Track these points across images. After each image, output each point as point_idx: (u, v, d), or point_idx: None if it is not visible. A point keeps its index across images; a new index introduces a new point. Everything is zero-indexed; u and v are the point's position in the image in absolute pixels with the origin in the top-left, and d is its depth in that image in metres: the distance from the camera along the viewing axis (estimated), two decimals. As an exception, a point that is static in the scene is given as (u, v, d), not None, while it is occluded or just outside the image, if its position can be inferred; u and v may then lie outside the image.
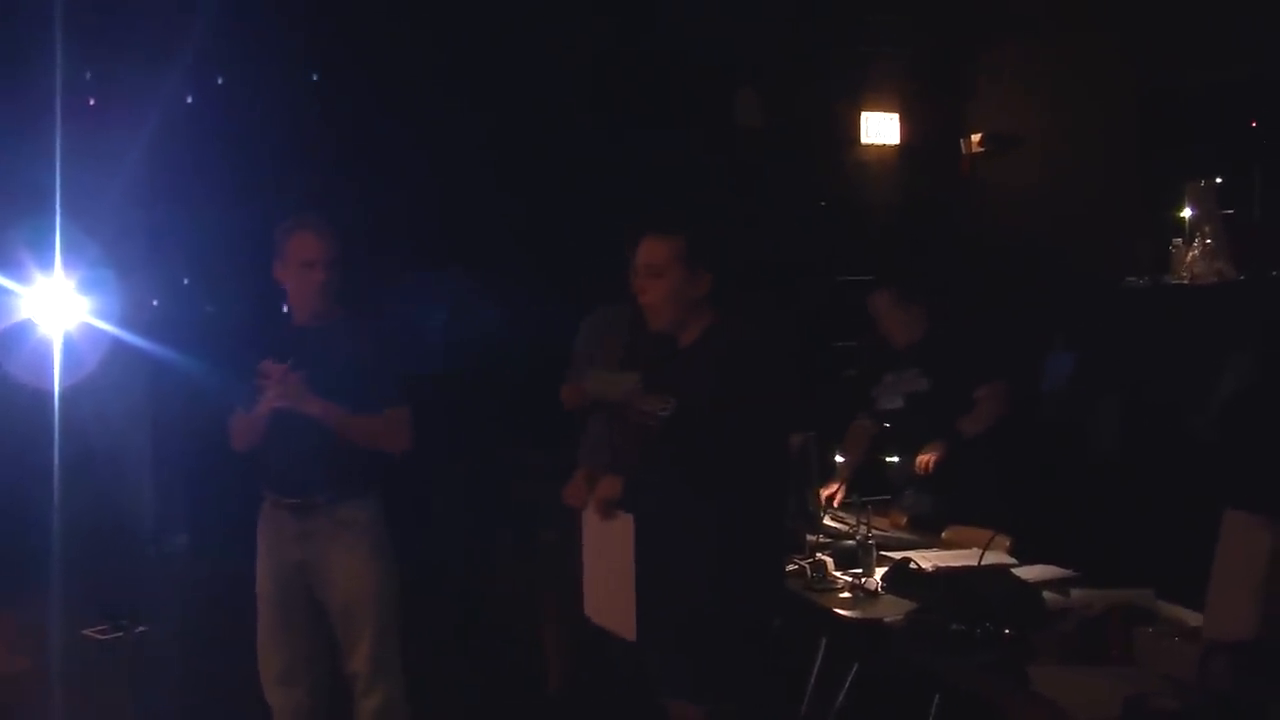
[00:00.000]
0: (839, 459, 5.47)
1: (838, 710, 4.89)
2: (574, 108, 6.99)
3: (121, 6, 5.90)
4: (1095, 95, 6.69)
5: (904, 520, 5.14)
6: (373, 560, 4.49)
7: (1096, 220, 6.51)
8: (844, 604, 4.13)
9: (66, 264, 4.88)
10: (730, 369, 3.80)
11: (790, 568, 4.34)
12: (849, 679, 4.87)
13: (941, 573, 4.15)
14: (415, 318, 6.54)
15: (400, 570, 4.59)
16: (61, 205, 5.05)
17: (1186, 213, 5.63)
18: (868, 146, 7.90)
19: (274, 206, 4.92)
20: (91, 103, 6.02)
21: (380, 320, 4.78)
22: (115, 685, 4.94)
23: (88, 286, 4.87)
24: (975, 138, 7.42)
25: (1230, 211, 5.54)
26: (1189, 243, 5.59)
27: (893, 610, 3.97)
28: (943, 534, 4.87)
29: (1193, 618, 3.49)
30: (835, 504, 5.25)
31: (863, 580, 4.20)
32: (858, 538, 4.40)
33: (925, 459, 5.06)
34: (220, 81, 6.48)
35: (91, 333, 4.96)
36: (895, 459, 5.35)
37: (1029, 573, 4.08)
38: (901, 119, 7.93)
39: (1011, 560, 4.35)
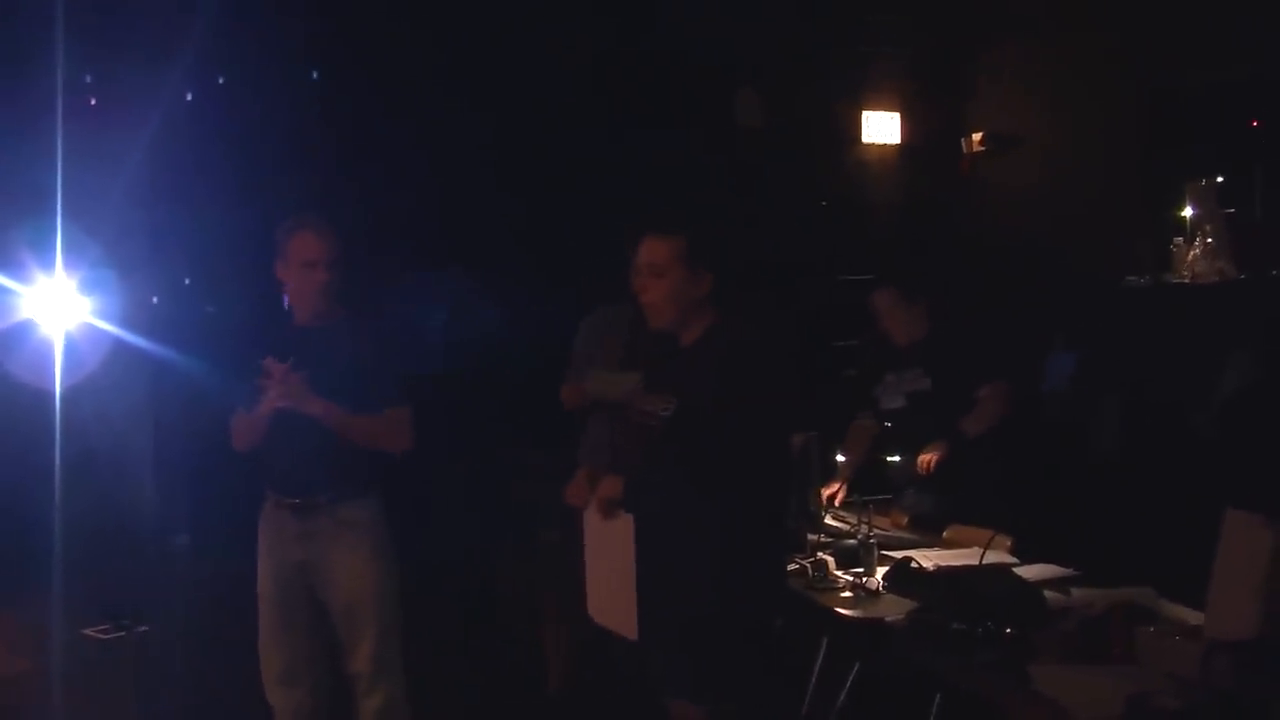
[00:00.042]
0: (840, 458, 5.48)
1: (839, 709, 4.89)
2: (574, 108, 6.98)
3: (122, 7, 5.90)
4: (1095, 95, 6.69)
5: (905, 519, 5.15)
6: (374, 560, 4.49)
7: (1097, 220, 6.51)
8: (845, 603, 4.13)
9: (68, 264, 4.88)
10: (731, 369, 3.81)
11: (792, 567, 4.34)
12: (850, 678, 4.87)
13: (943, 572, 4.15)
14: (415, 318, 6.54)
15: (400, 570, 4.59)
16: (63, 205, 5.05)
17: (1187, 212, 5.64)
18: (869, 146, 7.90)
19: (275, 206, 4.92)
20: (92, 103, 6.02)
21: (381, 320, 4.78)
22: (117, 685, 4.94)
23: (89, 286, 4.87)
24: (976, 137, 7.42)
25: (1231, 210, 5.55)
26: (1190, 242, 5.60)
27: (894, 609, 3.96)
28: (944, 533, 4.87)
29: (1194, 616, 3.49)
30: (836, 503, 5.26)
31: (864, 579, 4.20)
32: (859, 537, 4.40)
33: (927, 458, 5.06)
34: (221, 82, 6.48)
35: (93, 333, 4.97)
36: (896, 458, 5.35)
37: (1030, 572, 4.08)
38: (902, 118, 7.93)
39: (1013, 559, 4.36)
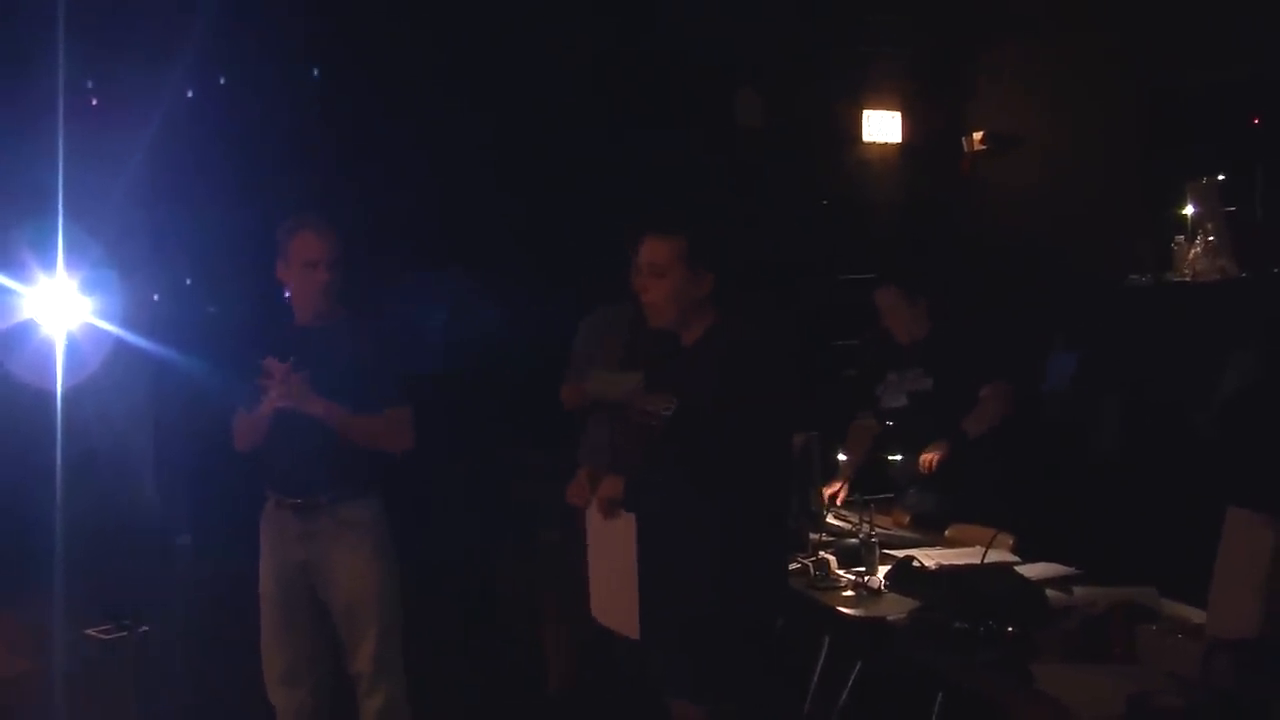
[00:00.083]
0: (841, 458, 5.48)
1: (841, 708, 4.89)
2: (574, 108, 6.98)
3: (123, 7, 5.90)
4: (1095, 95, 6.70)
5: (907, 518, 5.15)
6: (376, 560, 4.49)
7: (1098, 219, 6.52)
8: (847, 602, 4.14)
9: (69, 264, 4.87)
10: (732, 369, 3.81)
11: (793, 566, 4.35)
12: (852, 677, 4.87)
13: (944, 571, 4.15)
14: (415, 318, 6.54)
15: (401, 571, 4.60)
16: (64, 205, 5.04)
17: (1189, 210, 5.64)
18: (870, 145, 7.91)
19: (276, 206, 4.91)
20: (94, 103, 6.02)
21: (381, 320, 4.78)
22: (118, 685, 4.92)
23: (90, 286, 4.85)
24: (977, 136, 7.43)
25: (1232, 209, 5.55)
26: (1191, 240, 5.61)
27: (896, 608, 3.97)
28: (946, 532, 4.88)
29: (1196, 615, 3.50)
30: (838, 503, 5.26)
31: (866, 579, 4.21)
32: (861, 536, 4.41)
33: (929, 458, 5.07)
34: (222, 82, 6.48)
35: (94, 333, 4.95)
36: (898, 458, 5.36)
37: (1032, 571, 4.08)
38: (903, 117, 7.94)
39: (1014, 558, 4.36)
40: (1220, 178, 5.59)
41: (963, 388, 5.14)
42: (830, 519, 5.01)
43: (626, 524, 3.91)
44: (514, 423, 6.64)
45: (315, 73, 6.74)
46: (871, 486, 5.29)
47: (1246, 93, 5.85)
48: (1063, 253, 6.63)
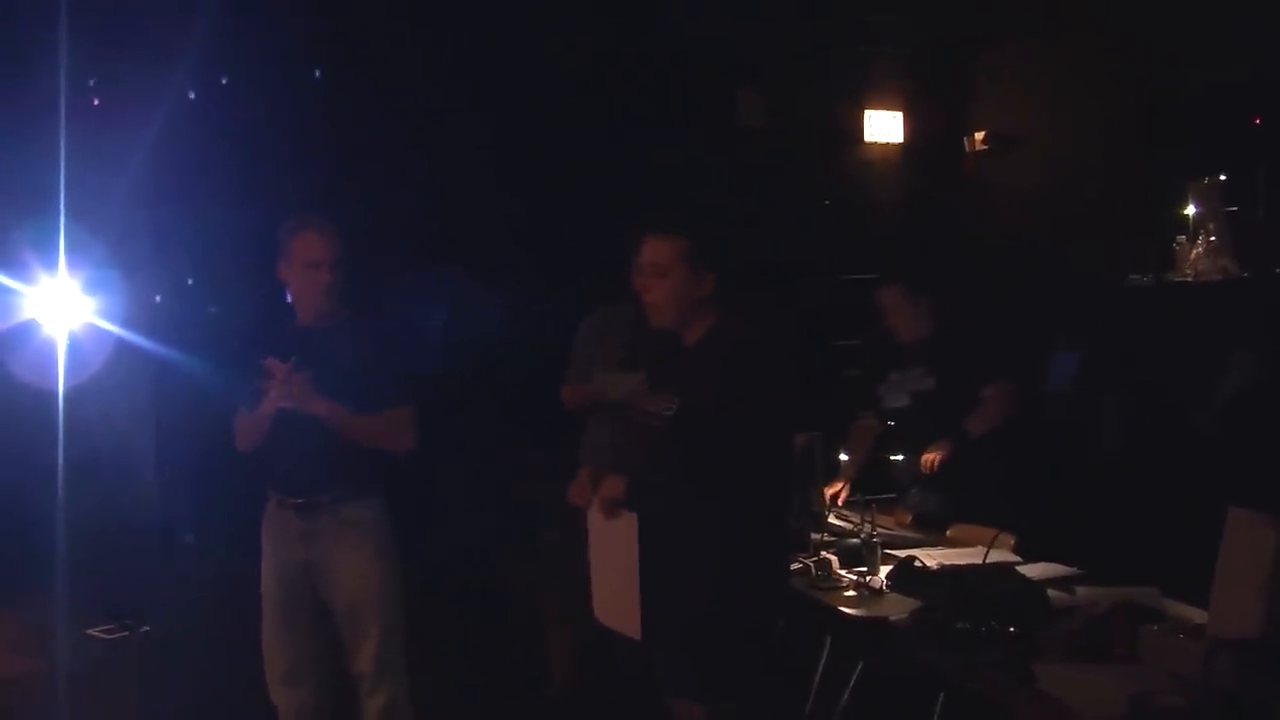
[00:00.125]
0: (843, 458, 5.48)
1: (843, 708, 4.90)
2: (574, 108, 6.98)
3: (125, 7, 5.90)
4: (1096, 95, 6.70)
5: (909, 518, 5.16)
6: (377, 560, 4.49)
7: (1099, 219, 6.52)
8: (849, 602, 4.14)
9: (71, 264, 4.88)
10: (734, 369, 3.81)
11: (795, 566, 4.35)
12: (854, 677, 4.88)
13: (946, 571, 4.15)
14: (416, 318, 6.54)
15: (403, 571, 4.60)
16: (66, 205, 5.05)
17: (1190, 210, 5.65)
18: (871, 145, 7.90)
19: (278, 207, 4.92)
20: (96, 103, 6.01)
21: (382, 320, 4.78)
22: (121, 685, 4.93)
23: (92, 286, 4.87)
24: (978, 136, 7.42)
25: (1234, 209, 5.56)
26: (1193, 240, 5.61)
27: (897, 608, 3.97)
28: (948, 532, 4.89)
29: (1198, 615, 3.49)
30: (840, 503, 5.27)
31: (867, 578, 4.21)
32: (863, 536, 4.41)
33: (931, 458, 5.07)
34: (224, 82, 6.47)
35: (96, 333, 4.96)
36: (900, 457, 5.36)
37: (1034, 571, 4.08)
38: (905, 117, 7.94)
39: (1016, 558, 4.36)
40: (1222, 178, 5.59)
41: (965, 388, 5.15)
42: (832, 519, 5.01)
43: (628, 524, 3.91)
44: (514, 423, 6.64)
45: (317, 73, 6.73)
46: (873, 486, 5.30)
47: (1246, 93, 5.85)
48: (1064, 253, 6.63)
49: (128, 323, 5.20)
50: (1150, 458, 5.75)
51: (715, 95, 7.55)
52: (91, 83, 5.96)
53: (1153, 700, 2.99)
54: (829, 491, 5.20)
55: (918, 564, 4.22)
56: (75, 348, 4.94)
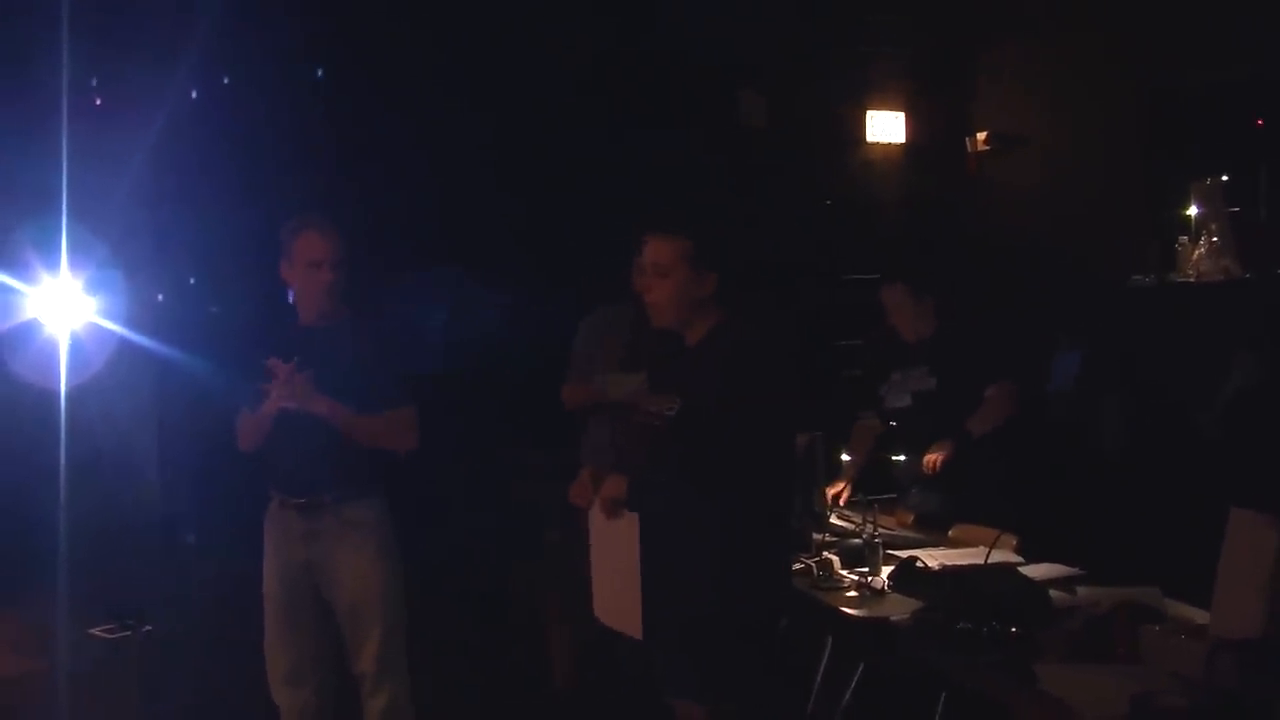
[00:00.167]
0: (845, 458, 5.48)
1: (844, 708, 4.90)
2: (574, 108, 6.98)
3: (127, 7, 5.90)
4: (1096, 95, 6.70)
5: (910, 519, 5.16)
6: (379, 560, 4.49)
7: (1101, 219, 6.51)
8: (850, 602, 4.14)
9: (73, 264, 4.88)
10: (735, 369, 3.82)
11: (797, 566, 4.35)
12: (855, 677, 4.88)
13: (948, 571, 4.16)
14: (416, 317, 6.54)
15: (404, 571, 4.60)
16: (68, 205, 5.05)
17: (1192, 211, 5.65)
18: (873, 145, 7.90)
19: (279, 207, 4.92)
20: (98, 103, 6.01)
21: (383, 320, 4.78)
22: (122, 685, 4.93)
23: (94, 286, 4.87)
24: (981, 136, 7.42)
25: (1236, 209, 5.56)
26: (1195, 241, 5.61)
27: (899, 609, 3.97)
28: (949, 532, 4.89)
29: (1199, 616, 3.50)
30: (841, 503, 5.26)
31: (869, 579, 4.20)
32: (864, 536, 4.40)
33: (933, 458, 5.07)
34: (225, 82, 6.47)
35: (98, 332, 4.97)
36: (901, 458, 5.36)
37: (1035, 571, 4.09)
38: (907, 117, 7.93)
39: (1018, 559, 4.36)
40: (1224, 178, 5.59)
41: (967, 387, 5.15)
42: (834, 519, 5.00)
43: (629, 523, 3.91)
44: (515, 423, 6.64)
45: (318, 73, 6.73)
46: (875, 486, 5.30)
47: (1247, 93, 5.85)
48: (1066, 253, 6.63)
49: (129, 322, 5.21)
50: (1152, 458, 5.75)
51: (715, 95, 7.55)
52: (93, 83, 5.96)
53: (1154, 700, 2.99)
54: (830, 491, 5.20)
55: (919, 564, 4.22)
56: (77, 347, 4.94)
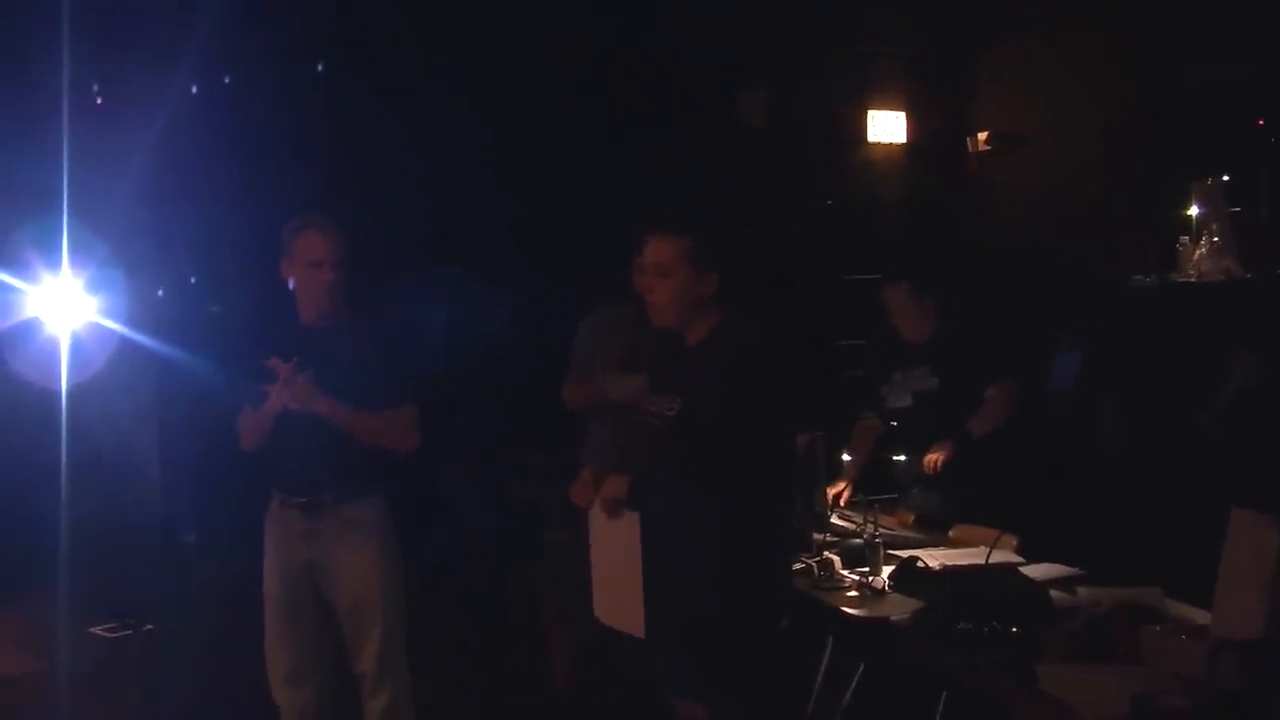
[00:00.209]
0: (845, 458, 5.48)
1: (845, 708, 4.90)
2: (574, 108, 6.98)
3: (128, 6, 5.89)
4: (1096, 95, 6.70)
5: (911, 519, 5.16)
6: (380, 560, 4.50)
7: (1102, 219, 6.52)
8: (851, 602, 4.15)
9: (73, 263, 4.88)
10: (736, 368, 3.82)
11: (797, 566, 4.35)
12: (856, 677, 4.88)
13: (949, 571, 4.16)
14: (417, 317, 6.54)
15: (405, 570, 4.61)
16: (68, 204, 5.05)
17: (1193, 211, 5.65)
18: (874, 145, 7.90)
19: (280, 206, 4.92)
20: (98, 102, 6.01)
21: (383, 320, 4.78)
22: (123, 684, 4.94)
23: (95, 285, 4.87)
24: (982, 136, 7.42)
25: (1237, 210, 5.56)
26: (1196, 241, 5.61)
27: (900, 609, 3.98)
28: (950, 533, 4.89)
29: (1200, 616, 3.50)
30: (842, 503, 5.26)
31: (870, 579, 4.21)
32: (865, 536, 4.41)
33: (933, 458, 5.06)
34: (226, 81, 6.47)
35: (98, 332, 4.97)
36: (902, 458, 5.36)
37: (1036, 571, 4.09)
38: (908, 117, 7.93)
39: (1019, 559, 4.37)
40: (1225, 178, 5.60)
41: (968, 388, 5.15)
42: (834, 519, 5.01)
43: (630, 523, 3.91)
44: (515, 423, 6.64)
45: (318, 73, 6.73)
46: (875, 486, 5.31)
47: (1247, 93, 5.85)
48: (1067, 253, 6.63)
49: (130, 322, 5.21)
50: (1153, 458, 5.75)
51: (715, 95, 7.55)
52: (94, 82, 5.96)
53: (1155, 701, 2.99)
54: (831, 491, 5.20)
55: (920, 564, 4.22)
56: (78, 347, 4.94)
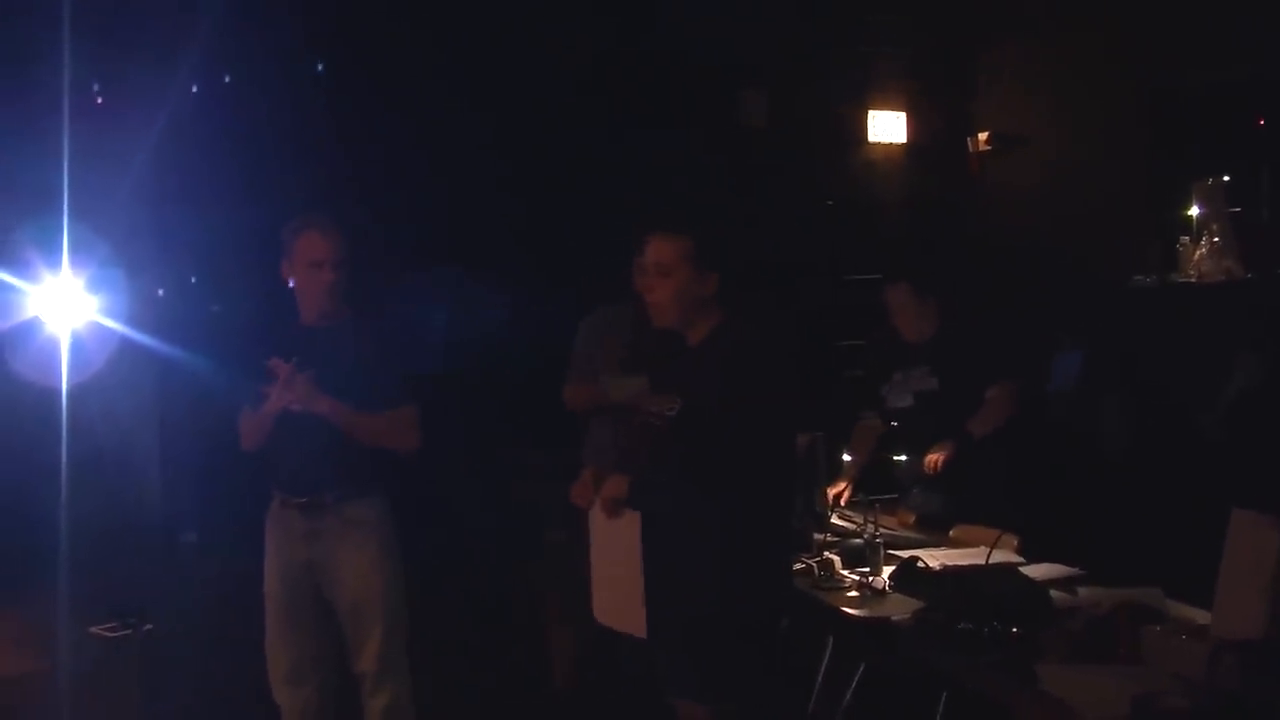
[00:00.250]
0: (846, 458, 5.48)
1: (845, 708, 4.90)
2: (574, 108, 6.98)
3: (129, 6, 5.90)
4: (1096, 95, 6.70)
5: (912, 519, 5.16)
6: (381, 559, 4.50)
7: (1103, 220, 6.52)
8: (851, 603, 4.14)
9: (74, 262, 4.87)
10: (736, 369, 3.82)
11: (798, 566, 4.35)
12: (856, 678, 4.88)
13: (949, 571, 4.16)
14: (417, 317, 6.54)
15: (405, 570, 4.61)
16: (69, 204, 5.05)
17: (1194, 211, 5.66)
18: (875, 145, 7.90)
19: (281, 206, 4.92)
20: (99, 101, 6.01)
21: (383, 320, 4.78)
22: (123, 683, 4.93)
23: (95, 285, 4.86)
24: (982, 136, 7.43)
25: (1238, 210, 5.56)
26: (1196, 241, 5.62)
27: (900, 609, 3.97)
28: (950, 533, 4.89)
29: (1201, 616, 3.50)
30: (843, 503, 5.26)
31: (870, 579, 4.20)
32: (865, 536, 4.41)
33: (934, 458, 5.06)
34: (227, 81, 6.48)
35: (99, 331, 4.96)
36: (903, 458, 5.36)
37: (1037, 571, 4.09)
38: (908, 118, 7.93)
39: (1019, 559, 4.36)
40: (1226, 178, 5.60)
41: (968, 388, 5.15)
42: (835, 519, 5.00)
43: (630, 522, 3.91)
44: (515, 423, 6.64)
45: (318, 73, 6.73)
46: (876, 487, 5.31)
47: (1247, 93, 5.85)
48: (1068, 253, 6.63)
49: (131, 321, 5.20)
50: (1153, 459, 5.75)
51: (715, 95, 7.55)
52: (95, 81, 5.96)
53: (1156, 701, 2.99)
54: (832, 492, 5.19)
55: (920, 564, 4.22)
56: (78, 346, 4.93)
